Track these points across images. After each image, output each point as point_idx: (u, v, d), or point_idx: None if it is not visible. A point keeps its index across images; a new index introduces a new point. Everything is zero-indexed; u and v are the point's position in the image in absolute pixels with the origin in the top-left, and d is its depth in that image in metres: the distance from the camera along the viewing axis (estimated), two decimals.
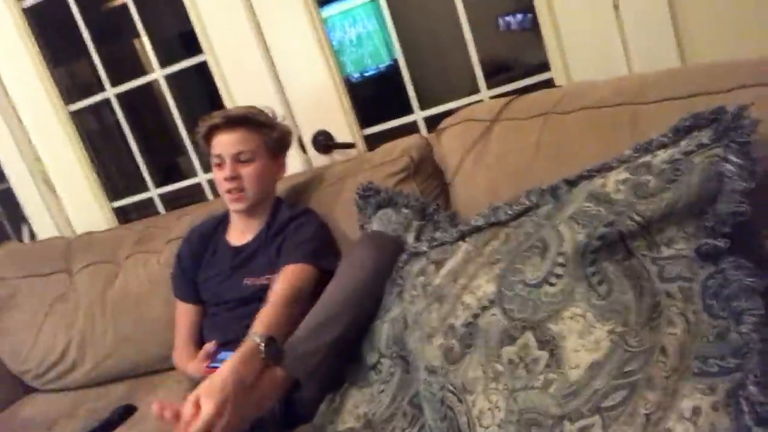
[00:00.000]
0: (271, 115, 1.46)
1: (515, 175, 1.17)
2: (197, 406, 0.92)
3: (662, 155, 0.82)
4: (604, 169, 0.89)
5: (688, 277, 0.76)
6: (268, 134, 1.43)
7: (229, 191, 1.39)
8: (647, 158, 0.83)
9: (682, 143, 0.81)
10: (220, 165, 1.39)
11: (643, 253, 0.79)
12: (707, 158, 0.78)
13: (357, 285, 1.14)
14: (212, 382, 0.96)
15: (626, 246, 0.80)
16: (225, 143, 1.38)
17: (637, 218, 0.79)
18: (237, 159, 1.38)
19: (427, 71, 1.79)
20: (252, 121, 1.41)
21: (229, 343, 1.36)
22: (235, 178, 1.37)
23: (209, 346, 1.27)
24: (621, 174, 0.85)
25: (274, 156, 1.46)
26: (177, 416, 0.92)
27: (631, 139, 0.91)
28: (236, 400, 0.95)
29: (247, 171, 1.39)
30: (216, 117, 1.39)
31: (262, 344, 1.04)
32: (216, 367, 1.07)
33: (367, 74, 1.83)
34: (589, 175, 0.90)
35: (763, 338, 0.67)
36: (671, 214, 0.79)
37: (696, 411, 0.67)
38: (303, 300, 1.25)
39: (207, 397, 0.92)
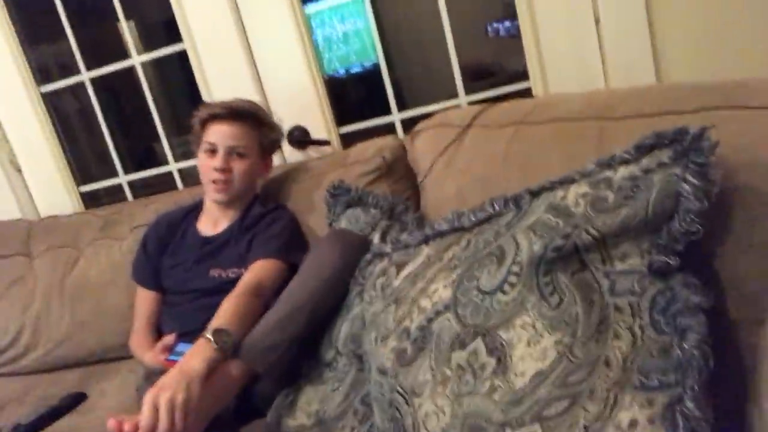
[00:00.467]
0: (262, 110, 1.47)
1: (483, 181, 1.17)
2: (155, 410, 0.90)
3: (623, 171, 0.83)
4: (567, 181, 0.89)
5: (638, 292, 0.76)
6: (265, 134, 1.45)
7: (215, 181, 1.39)
8: (608, 173, 0.84)
9: (643, 161, 0.82)
10: (211, 153, 1.39)
11: (596, 266, 0.80)
12: (666, 177, 0.78)
13: (321, 282, 1.13)
14: (170, 380, 0.95)
15: (581, 258, 0.81)
16: (223, 134, 1.38)
17: (593, 232, 0.80)
18: (231, 152, 1.38)
19: (411, 72, 1.80)
20: (255, 118, 1.42)
21: (188, 334, 1.34)
22: (225, 170, 1.38)
23: (168, 338, 1.25)
24: (582, 188, 0.85)
25: (264, 155, 1.47)
26: (136, 427, 0.91)
27: (596, 153, 0.92)
28: (196, 396, 0.94)
29: (238, 166, 1.39)
30: (219, 106, 1.39)
31: (212, 338, 1.03)
32: (174, 360, 1.05)
33: (351, 71, 1.82)
34: (551, 187, 0.90)
35: (704, 355, 0.68)
36: (627, 230, 0.79)
37: (633, 423, 0.68)
38: (268, 294, 1.24)
39: (168, 400, 0.91)
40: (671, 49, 1.37)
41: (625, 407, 0.69)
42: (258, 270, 1.29)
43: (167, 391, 0.92)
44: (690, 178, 0.76)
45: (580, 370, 0.72)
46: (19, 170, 2.04)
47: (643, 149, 0.82)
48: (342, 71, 1.80)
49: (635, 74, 1.38)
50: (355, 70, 1.81)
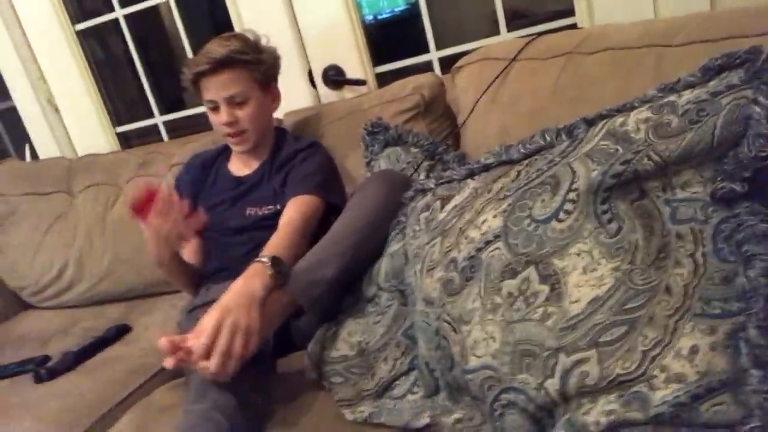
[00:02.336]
0: (252, 39, 1.38)
1: (530, 116, 1.14)
2: (216, 331, 0.90)
3: (688, 95, 0.78)
4: (626, 108, 0.85)
5: (701, 219, 0.73)
6: (257, 69, 1.36)
7: (229, 135, 1.37)
8: (672, 98, 0.80)
9: (711, 83, 0.77)
10: (214, 110, 1.36)
11: (657, 194, 0.77)
12: (735, 100, 0.74)
13: (366, 220, 1.12)
14: (233, 302, 0.94)
15: (641, 186, 0.78)
16: (216, 88, 1.33)
17: (655, 158, 0.76)
18: (231, 102, 1.34)
19: (446, 15, 1.74)
20: (238, 60, 1.33)
21: (225, 270, 1.37)
22: (233, 122, 1.35)
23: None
24: (643, 113, 0.81)
25: (266, 88, 1.41)
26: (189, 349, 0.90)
27: (655, 82, 0.87)
28: (257, 321, 0.94)
29: (243, 112, 1.35)
30: (200, 62, 1.32)
31: (269, 263, 1.03)
32: None
33: (381, 17, 1.78)
34: (608, 114, 0.86)
35: None
36: (690, 156, 0.76)
37: (694, 349, 0.66)
38: (311, 230, 1.24)
39: (232, 323, 0.91)
40: None
41: (685, 334, 0.68)
42: (298, 206, 1.28)
43: (231, 315, 0.91)
44: (762, 100, 0.71)
45: (639, 296, 0.71)
46: (57, 110, 2.05)
47: (710, 71, 0.77)
48: (371, 17, 1.76)
49: (687, 4, 1.30)
50: (385, 15, 1.76)
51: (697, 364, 0.66)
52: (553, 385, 0.73)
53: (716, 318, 0.68)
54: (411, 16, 1.66)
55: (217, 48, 1.32)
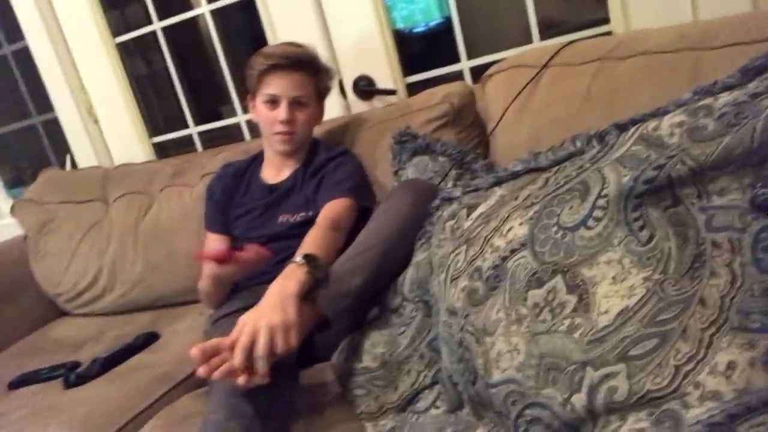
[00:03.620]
0: (316, 54, 1.43)
1: (561, 123, 1.10)
2: (253, 333, 0.90)
3: (725, 97, 0.74)
4: (659, 113, 0.81)
5: (739, 228, 0.69)
6: (322, 80, 1.42)
7: (279, 133, 1.38)
8: (708, 101, 0.76)
9: (750, 85, 0.73)
10: (272, 104, 1.37)
11: (692, 201, 0.73)
12: None
13: (391, 231, 1.10)
14: (267, 304, 0.95)
15: (674, 193, 0.74)
16: (285, 85, 1.35)
17: (690, 163, 0.72)
18: (294, 102, 1.36)
19: (479, 26, 1.72)
20: (313, 65, 1.39)
21: (255, 279, 1.36)
22: (290, 121, 1.36)
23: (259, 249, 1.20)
24: (677, 117, 0.77)
25: (320, 101, 1.45)
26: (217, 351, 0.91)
27: (691, 86, 0.83)
28: (294, 316, 0.94)
29: (301, 115, 1.38)
30: (278, 56, 1.35)
31: (303, 261, 1.03)
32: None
33: (415, 30, 1.78)
34: (641, 119, 0.83)
35: None
36: (728, 161, 0.71)
37: (731, 366, 0.62)
38: (345, 230, 1.24)
39: (267, 324, 0.91)
40: None
41: (722, 349, 0.63)
42: (334, 208, 1.29)
43: (264, 318, 0.92)
44: None
45: (672, 308, 0.67)
46: (96, 121, 2.10)
47: (750, 72, 0.73)
48: (406, 31, 1.76)
49: (728, 7, 1.25)
50: (420, 29, 1.76)
51: (734, 381, 0.61)
52: (579, 400, 0.69)
53: (756, 332, 0.63)
54: (445, 29, 1.66)
55: (296, 49, 1.38)
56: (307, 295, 1.02)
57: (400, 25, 1.74)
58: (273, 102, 1.36)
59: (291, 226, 1.38)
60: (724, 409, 0.61)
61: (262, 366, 0.89)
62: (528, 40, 1.54)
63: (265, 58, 1.36)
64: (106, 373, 1.38)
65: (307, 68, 1.37)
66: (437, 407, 0.98)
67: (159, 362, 1.38)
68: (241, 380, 0.88)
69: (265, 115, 1.38)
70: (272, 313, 0.93)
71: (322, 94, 1.44)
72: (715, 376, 0.62)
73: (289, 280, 0.99)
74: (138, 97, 2.09)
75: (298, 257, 1.04)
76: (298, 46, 1.41)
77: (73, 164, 2.17)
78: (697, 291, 0.67)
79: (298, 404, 1.05)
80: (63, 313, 1.90)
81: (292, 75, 1.35)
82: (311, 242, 1.14)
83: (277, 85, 1.35)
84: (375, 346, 1.07)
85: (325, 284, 1.04)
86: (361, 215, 1.32)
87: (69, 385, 1.35)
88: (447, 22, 1.64)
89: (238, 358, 0.88)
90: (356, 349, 1.09)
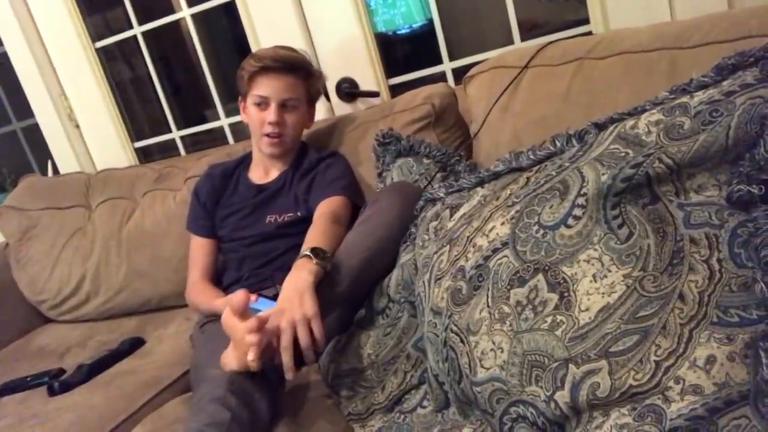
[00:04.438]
0: (308, 58, 1.45)
1: (542, 123, 1.11)
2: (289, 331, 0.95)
3: (701, 96, 0.76)
4: (637, 111, 0.83)
5: (716, 224, 0.70)
6: (313, 83, 1.43)
7: (268, 135, 1.38)
8: (684, 99, 0.77)
9: (725, 83, 0.75)
10: (262, 105, 1.37)
11: (670, 198, 0.74)
12: (750, 99, 0.71)
13: (378, 236, 1.11)
14: (287, 302, 0.98)
15: (652, 190, 0.75)
16: (275, 87, 1.36)
17: (667, 160, 0.74)
18: (283, 104, 1.37)
19: (460, 29, 1.73)
20: (304, 68, 1.40)
21: (240, 282, 1.36)
22: (279, 123, 1.37)
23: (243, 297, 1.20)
24: (654, 115, 0.79)
25: (310, 105, 1.46)
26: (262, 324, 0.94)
27: (669, 85, 0.85)
28: (313, 305, 0.98)
29: (290, 118, 1.39)
30: (270, 58, 1.36)
31: (311, 254, 1.04)
32: (259, 310, 1.03)
33: (398, 33, 1.78)
34: (619, 118, 0.84)
35: None
36: (704, 159, 0.73)
37: (710, 360, 0.63)
38: (345, 226, 1.25)
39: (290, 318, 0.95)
40: None
41: (701, 343, 0.64)
42: (331, 204, 1.30)
43: (285, 315, 0.95)
44: None
45: (651, 304, 0.68)
46: (77, 126, 2.08)
47: (724, 71, 0.75)
48: (389, 33, 1.77)
49: (705, 7, 1.27)
50: (403, 31, 1.77)
51: (714, 375, 0.63)
52: (562, 397, 0.70)
53: (734, 326, 0.65)
54: (427, 31, 1.67)
55: (288, 53, 1.39)
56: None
57: (382, 29, 1.75)
58: (262, 104, 1.37)
59: (278, 226, 1.39)
60: (705, 402, 0.62)
61: (286, 360, 0.95)
62: (509, 41, 1.55)
63: (257, 60, 1.36)
64: (92, 379, 1.37)
65: (298, 72, 1.38)
66: (424, 407, 0.98)
67: (145, 367, 1.37)
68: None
69: (254, 116, 1.39)
70: (291, 309, 0.96)
71: (312, 98, 1.45)
72: (695, 371, 0.63)
73: (302, 272, 1.02)
74: (120, 102, 2.07)
75: (305, 251, 1.06)
76: (291, 50, 1.42)
77: (55, 170, 2.14)
78: (676, 287, 0.68)
79: (283, 407, 1.05)
80: (47, 320, 1.88)
81: (282, 78, 1.36)
82: (316, 236, 1.16)
83: (267, 86, 1.36)
84: (362, 347, 1.08)
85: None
86: (353, 213, 1.33)
87: (54, 392, 1.33)
88: (429, 24, 1.65)
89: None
90: (343, 351, 1.09)
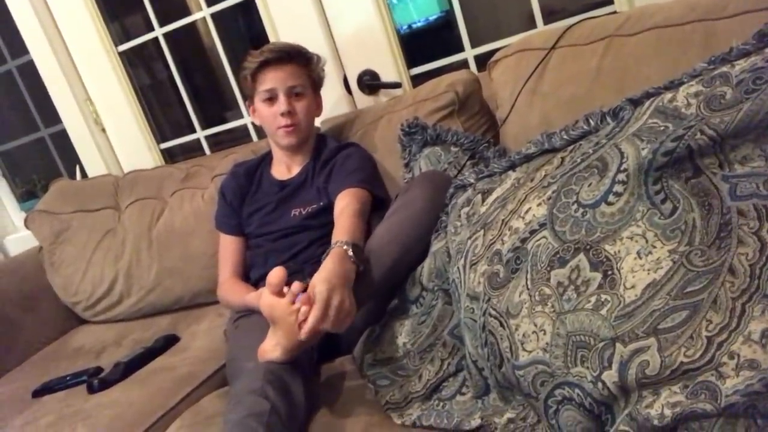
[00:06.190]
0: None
1: (572, 103, 1.09)
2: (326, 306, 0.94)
3: (742, 64, 0.74)
4: (674, 85, 0.81)
5: (765, 194, 0.68)
6: (314, 70, 1.44)
7: (283, 126, 1.39)
8: (725, 68, 0.75)
9: (767, 50, 0.73)
10: (271, 100, 1.38)
11: (713, 171, 0.72)
12: None
13: (409, 228, 1.10)
14: (337, 283, 0.96)
15: (695, 163, 0.73)
16: (279, 78, 1.37)
17: (710, 132, 0.72)
18: (290, 93, 1.38)
19: (481, 17, 1.71)
20: (301, 55, 1.41)
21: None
22: (290, 111, 1.38)
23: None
24: (693, 87, 0.77)
25: (316, 92, 1.47)
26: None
27: (703, 58, 0.83)
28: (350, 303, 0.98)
29: (300, 105, 1.40)
30: (266, 52, 1.38)
31: (349, 249, 1.03)
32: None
33: (414, 26, 1.77)
34: (655, 92, 0.82)
35: None
36: (748, 129, 0.71)
37: (766, 333, 0.61)
38: (366, 219, 1.25)
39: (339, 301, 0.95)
40: None
41: (755, 317, 0.62)
42: (350, 195, 1.29)
43: (337, 294, 0.95)
44: None
45: (700, 279, 0.66)
46: (104, 130, 2.11)
47: (766, 37, 0.72)
48: (405, 27, 1.76)
49: None
50: (419, 24, 1.76)
51: None
52: (610, 377, 0.68)
53: None
54: (445, 22, 1.65)
55: (282, 44, 1.43)
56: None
57: (399, 23, 1.74)
58: (271, 99, 1.38)
59: (303, 218, 1.39)
60: (762, 377, 0.60)
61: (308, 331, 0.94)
62: (532, 26, 1.53)
63: (255, 58, 1.38)
64: (129, 376, 1.38)
65: (297, 59, 1.40)
66: (463, 394, 0.97)
67: (180, 364, 1.38)
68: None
69: (265, 113, 1.40)
70: (342, 294, 0.96)
71: (316, 83, 1.46)
72: (750, 345, 0.61)
73: (345, 263, 1.01)
74: (144, 104, 2.09)
75: (343, 243, 1.05)
76: (285, 42, 1.44)
77: (83, 174, 2.18)
78: (726, 260, 0.66)
79: (320, 398, 1.05)
80: (82, 322, 1.90)
81: (283, 67, 1.37)
82: (346, 229, 1.14)
83: (271, 79, 1.37)
84: (397, 336, 1.07)
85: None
86: (374, 204, 1.33)
87: (93, 390, 1.35)
88: (446, 16, 1.64)
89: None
90: (378, 341, 1.09)
